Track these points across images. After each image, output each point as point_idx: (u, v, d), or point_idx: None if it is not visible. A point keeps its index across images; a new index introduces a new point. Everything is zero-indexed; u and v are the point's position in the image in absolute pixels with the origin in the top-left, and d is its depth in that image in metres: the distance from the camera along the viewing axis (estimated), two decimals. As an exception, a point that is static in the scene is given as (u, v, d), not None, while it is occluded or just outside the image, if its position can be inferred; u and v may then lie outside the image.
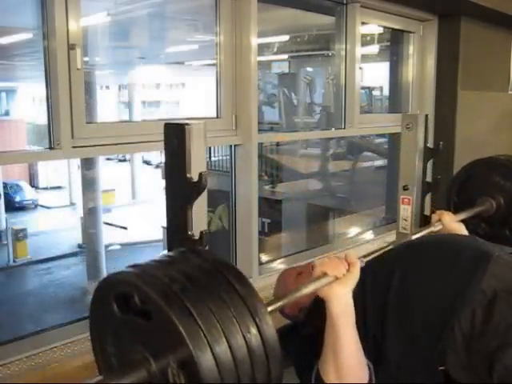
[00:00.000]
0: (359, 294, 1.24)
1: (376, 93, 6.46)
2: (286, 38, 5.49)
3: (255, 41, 2.17)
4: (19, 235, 12.30)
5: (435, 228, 1.67)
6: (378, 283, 1.28)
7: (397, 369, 1.22)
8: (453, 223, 1.66)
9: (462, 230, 1.67)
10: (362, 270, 1.29)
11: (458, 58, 3.23)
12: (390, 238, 2.90)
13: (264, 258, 2.62)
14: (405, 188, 2.17)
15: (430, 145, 2.16)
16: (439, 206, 1.80)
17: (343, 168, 5.91)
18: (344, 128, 2.90)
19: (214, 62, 2.22)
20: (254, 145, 2.24)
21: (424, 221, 1.98)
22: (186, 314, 0.75)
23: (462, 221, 1.75)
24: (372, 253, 1.37)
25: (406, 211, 2.14)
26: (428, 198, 2.07)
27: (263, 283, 2.22)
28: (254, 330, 0.80)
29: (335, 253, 2.81)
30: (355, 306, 1.20)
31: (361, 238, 3.24)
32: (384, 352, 1.22)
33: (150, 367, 0.80)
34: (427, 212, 2.00)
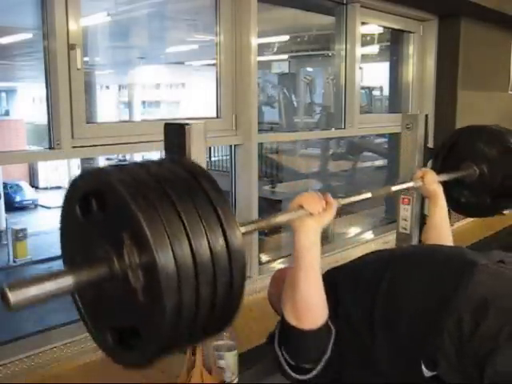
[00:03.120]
0: (347, 301, 1.24)
1: (376, 93, 6.46)
2: (286, 38, 5.49)
3: (255, 41, 2.17)
4: (19, 235, 12.28)
5: (416, 184, 1.68)
6: (365, 289, 1.28)
7: (386, 368, 1.23)
8: (433, 183, 1.67)
9: (440, 193, 1.67)
10: (349, 277, 1.32)
11: (458, 58, 3.24)
12: (390, 237, 2.90)
13: (264, 258, 2.62)
14: (405, 188, 2.17)
15: (430, 145, 2.16)
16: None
17: (343, 168, 5.90)
18: (344, 128, 2.90)
19: (214, 62, 2.22)
20: (254, 145, 2.24)
21: (424, 221, 1.98)
22: (153, 215, 0.73)
23: (445, 187, 1.75)
24: (350, 196, 1.44)
25: (405, 211, 2.14)
26: (428, 197, 2.07)
27: (263, 283, 2.22)
28: (220, 240, 0.78)
29: (336, 253, 2.81)
30: (343, 311, 1.22)
31: (361, 238, 3.24)
32: (373, 353, 1.23)
33: (113, 265, 0.79)
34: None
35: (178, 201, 0.76)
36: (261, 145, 2.57)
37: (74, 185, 0.85)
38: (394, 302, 1.22)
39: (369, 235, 3.30)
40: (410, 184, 1.72)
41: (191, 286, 0.74)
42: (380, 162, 5.28)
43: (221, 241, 0.78)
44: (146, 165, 0.83)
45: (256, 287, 2.26)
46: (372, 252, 1.54)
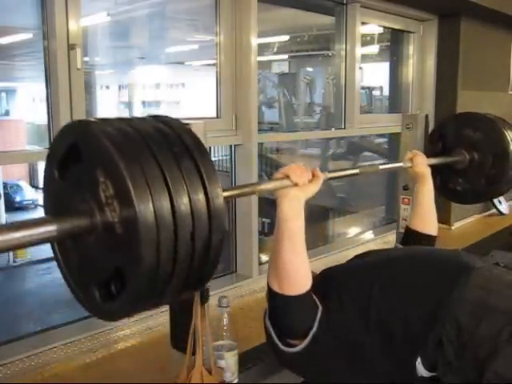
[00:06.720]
0: (343, 299, 1.24)
1: (376, 93, 6.45)
2: (286, 38, 5.49)
3: (255, 41, 2.17)
4: (19, 235, 12.25)
5: (405, 165, 1.66)
6: (360, 290, 1.27)
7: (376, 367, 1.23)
8: (422, 165, 1.65)
9: (427, 175, 1.66)
10: (346, 276, 1.32)
11: (458, 58, 3.24)
12: (390, 237, 2.90)
13: (264, 258, 2.61)
14: (405, 188, 2.17)
15: (430, 144, 2.16)
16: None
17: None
18: (344, 128, 2.90)
19: (214, 61, 2.22)
20: (254, 145, 2.24)
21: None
22: (136, 168, 0.74)
23: (441, 180, 1.80)
24: (338, 171, 1.47)
25: (406, 211, 2.14)
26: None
27: (263, 283, 2.22)
28: (201, 196, 0.78)
29: (336, 253, 2.81)
30: (337, 307, 1.21)
31: (361, 238, 3.24)
32: (364, 351, 1.22)
33: (94, 217, 0.79)
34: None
35: (161, 156, 0.77)
36: (261, 145, 2.56)
37: (57, 140, 0.85)
38: (390, 304, 1.21)
39: (369, 235, 3.30)
40: (399, 164, 1.72)
41: (170, 240, 0.75)
42: (380, 162, 5.28)
43: (201, 197, 0.78)
44: (129, 119, 0.83)
45: (256, 287, 2.27)
46: (367, 252, 1.54)
